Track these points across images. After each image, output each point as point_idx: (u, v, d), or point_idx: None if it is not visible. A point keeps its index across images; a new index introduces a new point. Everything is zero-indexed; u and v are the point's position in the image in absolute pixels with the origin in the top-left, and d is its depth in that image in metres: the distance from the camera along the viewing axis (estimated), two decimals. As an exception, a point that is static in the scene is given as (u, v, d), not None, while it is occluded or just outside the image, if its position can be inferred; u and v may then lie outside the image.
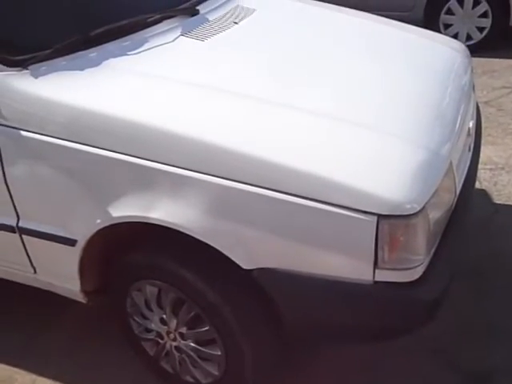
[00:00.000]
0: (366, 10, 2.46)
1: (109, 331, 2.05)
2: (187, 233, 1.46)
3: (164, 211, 1.47)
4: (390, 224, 1.33)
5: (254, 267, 1.46)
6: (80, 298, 1.83)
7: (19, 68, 1.58)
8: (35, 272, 1.84)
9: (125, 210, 1.52)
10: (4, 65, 1.58)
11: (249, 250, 1.44)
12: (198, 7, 2.03)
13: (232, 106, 1.55)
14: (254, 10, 2.15)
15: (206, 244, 1.47)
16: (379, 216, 1.32)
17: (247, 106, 1.56)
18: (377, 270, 1.37)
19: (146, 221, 1.50)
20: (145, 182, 1.48)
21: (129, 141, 1.48)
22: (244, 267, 1.46)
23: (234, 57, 1.81)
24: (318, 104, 1.59)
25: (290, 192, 1.36)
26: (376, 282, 1.39)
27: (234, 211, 1.41)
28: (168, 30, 1.86)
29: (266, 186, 1.37)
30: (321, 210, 1.35)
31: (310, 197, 1.35)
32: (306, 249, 1.40)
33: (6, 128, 1.59)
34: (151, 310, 1.76)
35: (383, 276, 1.38)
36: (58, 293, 1.90)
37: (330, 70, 1.81)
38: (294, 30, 2.11)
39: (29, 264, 1.81)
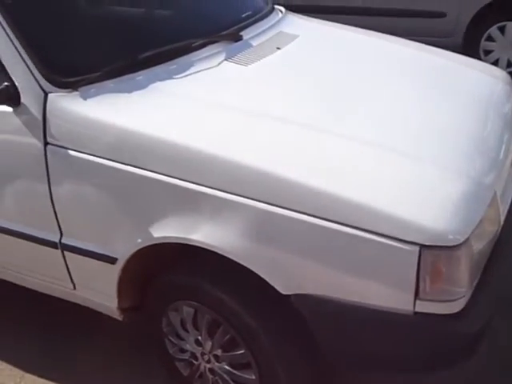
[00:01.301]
0: (404, 35, 2.47)
1: (142, 348, 2.07)
2: (227, 255, 1.48)
3: (205, 233, 1.48)
4: (432, 255, 1.31)
5: (292, 292, 1.45)
6: (116, 314, 1.86)
7: (70, 89, 1.64)
8: (74, 288, 1.87)
9: (166, 230, 1.54)
10: (56, 86, 1.63)
11: (287, 275, 1.44)
12: (241, 33, 2.07)
13: (275, 131, 1.57)
14: (296, 35, 2.17)
15: (245, 267, 1.47)
16: (422, 246, 1.31)
17: (290, 131, 1.57)
18: (417, 301, 1.36)
19: (186, 242, 1.52)
20: (187, 203, 1.50)
21: (173, 163, 1.51)
22: (282, 292, 1.46)
23: (276, 82, 1.84)
24: (360, 131, 1.60)
25: (330, 218, 1.36)
26: (416, 313, 1.37)
27: (275, 236, 1.42)
28: (212, 55, 1.89)
29: (307, 212, 1.38)
30: (362, 237, 1.34)
31: (351, 224, 1.35)
32: (345, 276, 1.39)
33: (54, 147, 1.63)
34: (187, 331, 1.77)
35: (424, 307, 1.36)
36: (95, 309, 1.92)
37: (371, 97, 1.81)
38: (336, 56, 2.13)
39: (69, 279, 1.85)
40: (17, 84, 1.64)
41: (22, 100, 1.65)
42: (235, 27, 2.11)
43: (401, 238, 1.32)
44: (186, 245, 1.53)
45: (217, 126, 1.58)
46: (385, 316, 1.39)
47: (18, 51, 1.64)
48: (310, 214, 1.36)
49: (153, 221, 1.56)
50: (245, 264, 1.46)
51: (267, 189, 1.41)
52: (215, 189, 1.45)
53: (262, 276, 1.46)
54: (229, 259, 1.48)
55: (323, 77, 1.92)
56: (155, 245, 1.59)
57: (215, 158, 1.47)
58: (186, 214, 1.50)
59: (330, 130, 1.58)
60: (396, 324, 1.40)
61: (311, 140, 1.54)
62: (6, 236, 1.87)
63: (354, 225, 1.34)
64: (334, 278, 1.40)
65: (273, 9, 2.43)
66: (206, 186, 1.46)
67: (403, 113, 1.72)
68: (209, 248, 1.49)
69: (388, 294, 1.38)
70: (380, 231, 1.33)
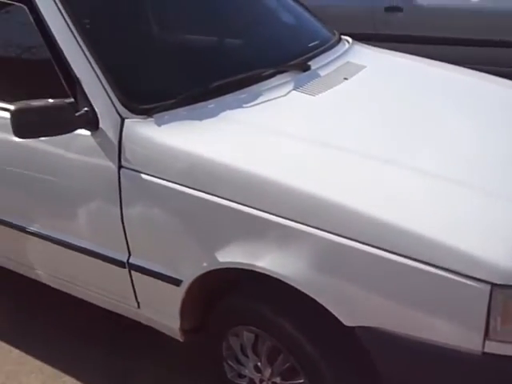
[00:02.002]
0: (472, 64, 2.45)
1: (201, 370, 2.09)
2: (291, 284, 1.49)
3: (270, 261, 1.50)
4: (504, 294, 1.28)
5: (356, 324, 1.45)
6: (177, 335, 1.89)
7: (145, 116, 1.71)
8: (139, 307, 1.92)
9: (232, 256, 1.57)
10: (132, 112, 1.71)
11: (352, 307, 1.44)
12: (309, 63, 2.10)
13: (342, 162, 1.58)
14: (363, 66, 2.19)
15: (309, 296, 1.48)
16: (493, 285, 1.28)
17: (357, 161, 1.58)
18: (487, 341, 1.32)
19: (251, 268, 1.54)
20: (254, 230, 1.53)
21: (241, 190, 1.54)
22: (346, 324, 1.45)
23: (343, 112, 1.86)
24: (426, 163, 1.59)
25: (398, 252, 1.35)
26: (485, 354, 1.34)
27: (341, 267, 1.42)
28: (281, 85, 1.93)
29: (374, 244, 1.37)
30: (430, 273, 1.33)
31: (419, 259, 1.34)
32: (412, 311, 1.38)
33: (128, 170, 1.70)
34: (246, 356, 1.78)
35: (494, 348, 1.32)
36: (157, 328, 1.97)
37: (437, 128, 1.80)
38: (402, 87, 2.13)
39: (134, 298, 1.90)
40: (96, 109, 1.73)
41: (101, 125, 1.73)
42: (303, 57, 2.15)
43: (471, 275, 1.30)
44: (251, 271, 1.56)
45: (285, 156, 1.60)
46: (451, 354, 1.36)
47: (99, 78, 1.73)
48: (376, 247, 1.36)
49: (219, 245, 1.59)
50: (309, 293, 1.47)
51: (335, 219, 1.42)
52: (282, 217, 1.47)
53: (326, 306, 1.46)
54: (293, 287, 1.49)
55: (390, 108, 1.92)
56: (220, 269, 1.62)
57: (283, 187, 1.49)
58: (252, 240, 1.53)
59: (396, 161, 1.58)
60: (463, 364, 1.36)
61: (378, 171, 1.54)
62: (76, 253, 1.94)
63: (422, 259, 1.33)
64: (400, 312, 1.39)
65: (340, 39, 2.46)
66: (273, 214, 1.48)
67: (469, 146, 1.70)
68: (273, 275, 1.50)
69: (455, 331, 1.35)
70: (449, 267, 1.31)
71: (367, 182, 1.50)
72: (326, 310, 1.46)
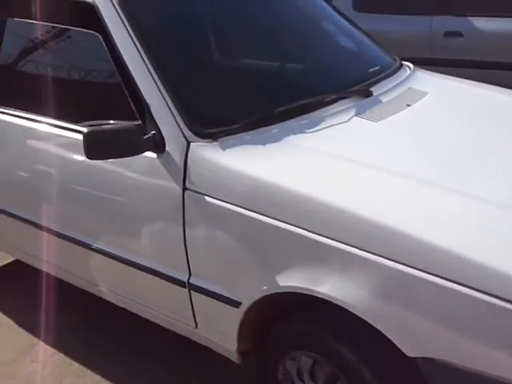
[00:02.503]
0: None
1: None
2: (352, 311, 1.48)
3: (331, 287, 1.50)
4: None
5: (418, 355, 1.42)
6: (234, 357, 1.91)
7: (210, 140, 1.75)
8: (196, 327, 1.95)
9: (292, 280, 1.58)
10: (198, 136, 1.76)
11: (415, 337, 1.42)
12: (371, 89, 2.11)
13: (405, 189, 1.58)
14: (426, 92, 2.18)
15: (370, 324, 1.47)
16: None
17: (419, 189, 1.57)
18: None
19: (311, 293, 1.54)
20: (315, 255, 1.53)
21: (303, 215, 1.55)
22: (408, 354, 1.43)
23: (406, 139, 1.85)
24: (486, 191, 1.57)
25: (465, 284, 1.33)
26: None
27: (404, 296, 1.41)
28: (343, 110, 1.95)
29: (440, 275, 1.35)
30: (498, 306, 1.29)
31: (487, 291, 1.31)
32: (478, 345, 1.34)
33: (192, 192, 1.74)
34: (303, 381, 1.77)
35: None
36: (213, 349, 1.99)
37: (500, 157, 1.77)
38: (466, 114, 2.11)
39: (192, 318, 1.93)
40: (163, 133, 1.79)
41: (167, 147, 1.78)
42: (365, 83, 2.16)
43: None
44: (311, 296, 1.56)
45: (347, 181, 1.61)
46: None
47: (167, 103, 1.80)
48: (442, 277, 1.34)
49: (280, 269, 1.60)
50: (370, 321, 1.46)
51: (399, 248, 1.41)
52: (345, 243, 1.47)
53: (388, 335, 1.44)
54: (353, 314, 1.48)
55: (453, 135, 1.91)
56: (279, 292, 1.63)
57: (346, 213, 1.49)
58: (313, 265, 1.53)
59: (457, 189, 1.56)
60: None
61: (439, 198, 1.53)
62: (137, 271, 2.00)
63: (491, 292, 1.30)
64: (465, 345, 1.36)
65: (401, 65, 2.46)
66: (335, 240, 1.49)
67: None
68: (334, 302, 1.50)
69: (523, 368, 1.31)
70: (513, 299, 1.28)
71: (432, 210, 1.49)
72: (387, 338, 1.45)
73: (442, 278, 1.34)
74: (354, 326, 1.52)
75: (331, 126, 1.86)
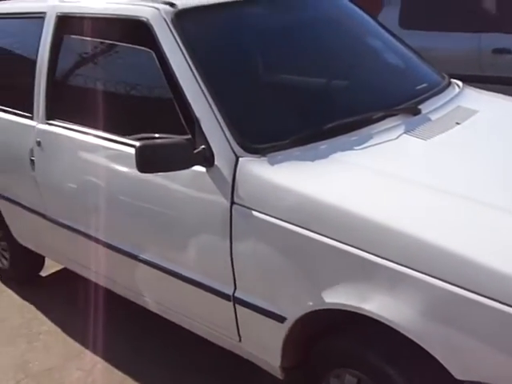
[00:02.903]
0: None
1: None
2: (399, 330, 1.46)
3: (378, 305, 1.49)
4: None
5: (468, 379, 1.39)
6: (277, 373, 1.90)
7: (259, 155, 1.77)
8: (240, 340, 1.96)
9: (338, 297, 1.57)
10: (247, 151, 1.78)
11: (465, 359, 1.39)
12: (419, 106, 2.10)
13: (454, 207, 1.55)
14: (476, 110, 2.15)
15: (417, 345, 1.45)
16: None
17: (469, 207, 1.55)
18: None
19: (358, 311, 1.54)
20: (362, 272, 1.53)
21: (351, 231, 1.55)
22: (456, 377, 1.40)
23: (456, 157, 1.83)
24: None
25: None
26: None
27: (454, 317, 1.38)
28: (392, 128, 1.94)
29: (492, 297, 1.33)
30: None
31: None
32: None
33: (240, 207, 1.77)
34: (347, 400, 1.76)
35: None
36: (256, 363, 1.99)
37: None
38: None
39: (236, 332, 1.94)
40: (213, 147, 1.82)
41: (216, 162, 1.81)
42: (413, 100, 2.14)
43: None
44: (357, 313, 1.55)
45: (397, 199, 1.60)
46: None
47: (217, 119, 1.83)
48: (497, 301, 1.31)
49: (325, 286, 1.60)
50: (418, 342, 1.44)
51: (450, 268, 1.39)
52: (393, 262, 1.46)
53: (436, 357, 1.42)
54: (400, 334, 1.47)
55: (503, 154, 1.87)
56: (325, 309, 1.63)
57: (395, 231, 1.48)
58: (360, 282, 1.52)
59: (508, 208, 1.53)
60: None
61: (494, 220, 1.50)
62: (183, 282, 2.02)
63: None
64: (515, 368, 1.32)
65: (450, 82, 2.43)
66: (383, 258, 1.48)
67: None
68: (381, 320, 1.49)
69: None
70: None
71: (484, 230, 1.47)
72: (435, 359, 1.43)
73: (497, 301, 1.31)
74: (400, 346, 1.51)
75: (380, 143, 1.86)
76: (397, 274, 1.45)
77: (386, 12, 4.94)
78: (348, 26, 2.60)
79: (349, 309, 1.56)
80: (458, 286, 1.36)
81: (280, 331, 1.76)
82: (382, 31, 2.66)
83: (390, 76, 2.40)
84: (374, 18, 2.79)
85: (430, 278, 1.40)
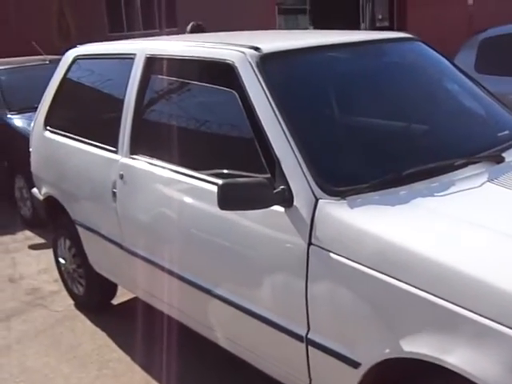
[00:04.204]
0: None
1: None
2: (483, 386, 1.41)
3: (462, 358, 1.44)
4: None
5: None
6: (346, 419, 1.86)
7: (338, 197, 1.78)
8: (310, 383, 1.94)
9: (418, 346, 1.54)
10: (327, 193, 1.80)
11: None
12: (503, 154, 2.06)
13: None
14: None
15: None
16: None
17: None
18: None
19: (439, 363, 1.49)
20: (445, 323, 1.49)
21: (433, 280, 1.52)
22: None
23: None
24: None
25: None
26: None
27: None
28: (474, 175, 1.91)
29: None
30: None
31: None
32: None
33: (317, 248, 1.77)
34: None
35: None
36: (326, 407, 1.96)
37: None
38: None
39: (307, 374, 1.92)
40: (292, 188, 1.85)
41: (295, 202, 1.84)
42: (495, 148, 2.11)
43: None
44: (435, 364, 1.51)
45: (482, 249, 1.56)
46: None
47: (298, 160, 1.86)
48: None
49: (405, 334, 1.57)
50: (504, 401, 1.38)
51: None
52: (479, 315, 1.42)
53: (522, 417, 1.36)
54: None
55: None
56: (402, 358, 1.59)
57: (481, 282, 1.44)
58: (443, 334, 1.49)
59: None
60: None
61: None
62: (255, 320, 2.03)
63: None
64: None
65: (533, 130, 2.37)
66: (468, 310, 1.44)
67: None
68: (464, 374, 1.44)
69: None
70: None
71: None
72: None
73: None
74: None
75: (462, 190, 1.83)
76: (483, 327, 1.41)
77: (462, 56, 4.90)
78: (427, 70, 2.61)
79: (429, 360, 1.52)
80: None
81: (353, 377, 1.73)
82: (461, 76, 2.64)
83: (470, 122, 2.38)
84: (453, 62, 2.78)
85: (518, 334, 1.35)
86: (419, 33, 2.72)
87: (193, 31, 5.85)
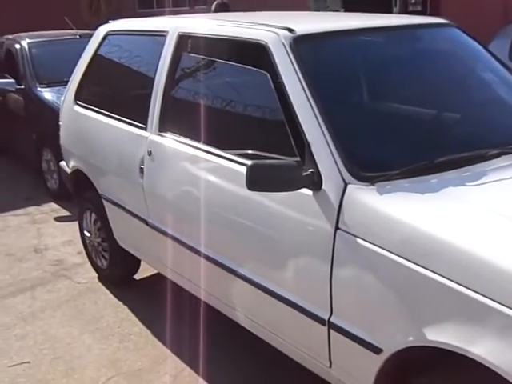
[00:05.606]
0: None
1: None
2: (507, 378, 1.40)
3: (487, 350, 1.44)
4: None
5: None
6: (365, 403, 1.87)
7: (368, 183, 1.77)
8: (330, 366, 1.95)
9: (442, 335, 1.53)
10: (356, 178, 1.79)
11: None
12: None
13: None
14: None
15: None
16: None
17: None
18: None
19: (463, 353, 1.49)
20: (470, 313, 1.48)
21: (461, 270, 1.51)
22: None
23: None
24: None
25: None
26: None
27: None
28: (507, 166, 1.88)
29: None
30: None
31: None
32: None
33: (344, 233, 1.77)
34: None
35: None
36: (344, 391, 1.97)
37: None
38: None
39: (327, 357, 1.93)
40: (321, 172, 1.84)
41: (323, 186, 1.83)
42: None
43: None
44: (458, 354, 1.50)
45: (510, 240, 1.54)
46: None
47: (328, 144, 1.85)
48: None
49: (428, 322, 1.57)
50: (527, 392, 1.37)
51: None
52: (507, 307, 1.41)
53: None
54: (505, 381, 1.41)
55: None
56: (425, 346, 1.59)
57: (510, 275, 1.43)
58: (468, 324, 1.48)
59: None
60: None
61: None
62: (278, 301, 2.04)
63: None
64: None
65: None
66: (495, 301, 1.43)
67: None
68: (488, 365, 1.43)
69: None
70: None
71: None
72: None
73: None
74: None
75: (494, 181, 1.80)
76: (509, 319, 1.40)
77: (496, 44, 4.80)
78: (463, 57, 2.56)
79: (453, 349, 1.51)
80: None
81: (374, 362, 1.73)
82: (497, 64, 2.59)
83: (504, 111, 2.33)
84: (489, 49, 2.72)
85: (547, 328, 1.34)
86: (452, 19, 2.66)
87: (217, 10, 5.82)
